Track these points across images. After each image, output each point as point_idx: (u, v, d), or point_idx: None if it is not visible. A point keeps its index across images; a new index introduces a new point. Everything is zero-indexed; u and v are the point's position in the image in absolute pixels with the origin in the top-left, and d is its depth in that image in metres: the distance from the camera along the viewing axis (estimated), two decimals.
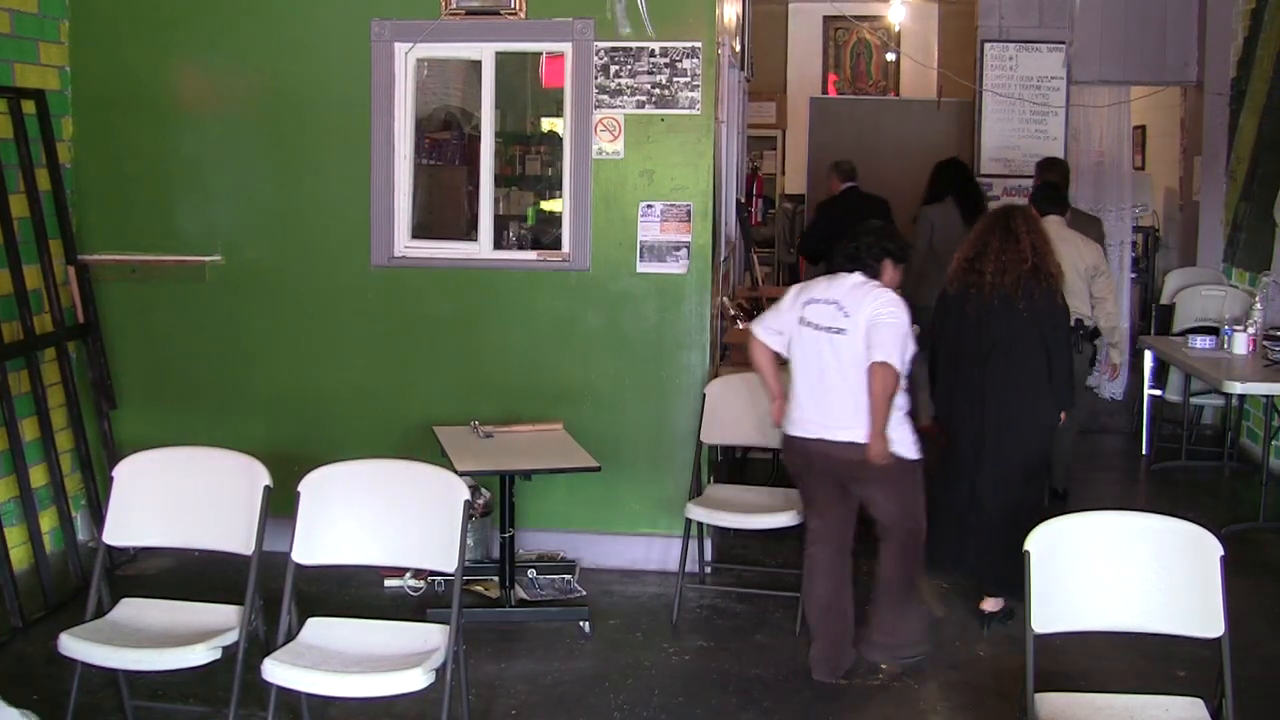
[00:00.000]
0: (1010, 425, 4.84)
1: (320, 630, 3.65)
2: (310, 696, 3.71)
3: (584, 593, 5.31)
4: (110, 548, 3.89)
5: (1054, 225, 5.86)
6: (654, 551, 5.59)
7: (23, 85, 5.40)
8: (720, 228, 5.94)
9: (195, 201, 5.76)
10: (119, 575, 5.35)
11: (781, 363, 4.56)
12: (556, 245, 5.70)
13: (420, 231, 5.77)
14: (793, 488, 4.94)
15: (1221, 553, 3.20)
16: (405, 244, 5.67)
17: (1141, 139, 10.52)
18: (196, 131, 5.74)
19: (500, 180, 6.20)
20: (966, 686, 4.45)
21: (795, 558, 5.13)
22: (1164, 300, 8.12)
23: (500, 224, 6.01)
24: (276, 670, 3.41)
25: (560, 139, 5.69)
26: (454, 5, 5.49)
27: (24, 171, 5.29)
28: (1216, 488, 7.35)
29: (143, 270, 5.74)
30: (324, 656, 3.50)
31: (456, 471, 4.00)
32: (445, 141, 6.49)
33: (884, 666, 4.53)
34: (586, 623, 4.92)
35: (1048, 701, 3.23)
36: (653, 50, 5.42)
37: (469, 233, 5.85)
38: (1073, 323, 5.45)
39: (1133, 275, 9.19)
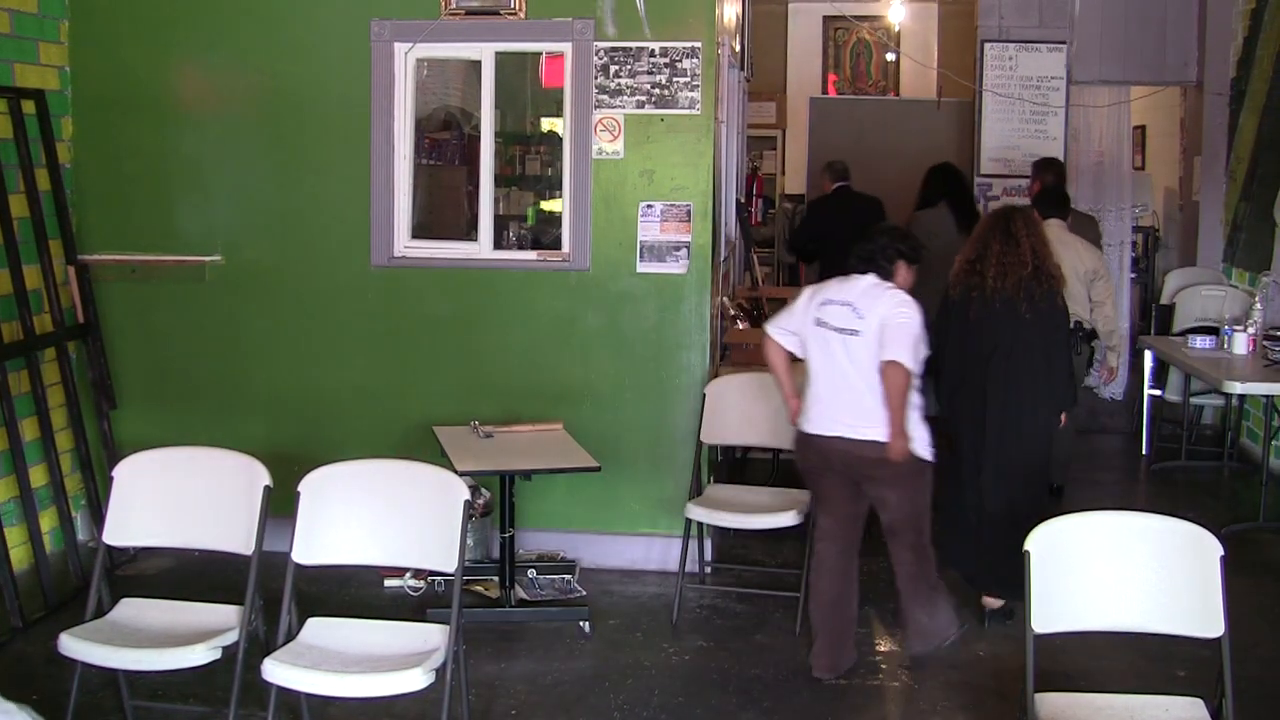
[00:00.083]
0: (1011, 427, 4.85)
1: (320, 630, 3.65)
2: (310, 696, 3.71)
3: (584, 593, 5.31)
4: (110, 548, 3.89)
5: (1055, 229, 5.86)
6: (654, 551, 5.59)
7: (23, 85, 5.40)
8: (720, 228, 5.94)
9: (195, 201, 5.77)
10: (119, 575, 5.35)
11: (794, 361, 4.57)
12: (556, 245, 5.70)
13: (420, 231, 5.77)
14: (793, 488, 4.94)
15: (1221, 553, 3.20)
16: (405, 244, 5.67)
17: (1141, 139, 10.51)
18: (196, 131, 5.74)
19: (500, 180, 6.20)
20: (966, 686, 4.45)
21: (795, 558, 5.14)
22: (1164, 300, 8.12)
23: (500, 224, 6.00)
24: (276, 670, 3.41)
25: (560, 139, 5.69)
26: (454, 5, 5.49)
27: (24, 171, 5.29)
28: (1216, 488, 7.35)
29: (143, 270, 5.74)
30: (324, 656, 3.50)
31: (456, 471, 4.00)
32: (445, 141, 6.49)
33: (884, 666, 4.54)
34: (586, 623, 4.92)
35: (1048, 701, 3.23)
36: (652, 50, 5.42)
37: (469, 233, 5.85)
38: (1071, 324, 5.45)
39: (1133, 275, 9.16)
